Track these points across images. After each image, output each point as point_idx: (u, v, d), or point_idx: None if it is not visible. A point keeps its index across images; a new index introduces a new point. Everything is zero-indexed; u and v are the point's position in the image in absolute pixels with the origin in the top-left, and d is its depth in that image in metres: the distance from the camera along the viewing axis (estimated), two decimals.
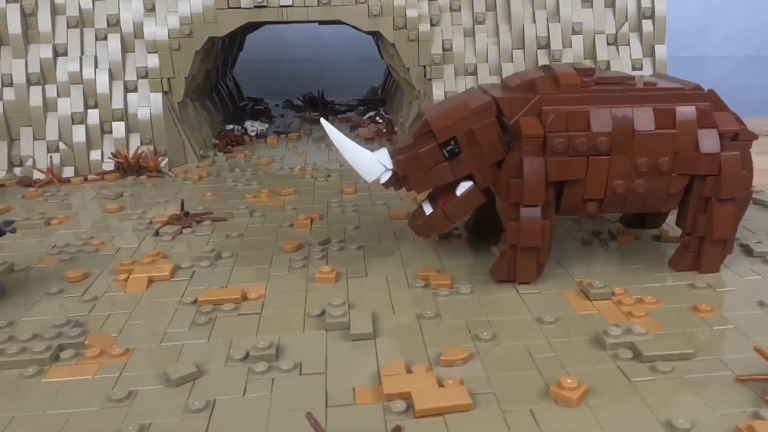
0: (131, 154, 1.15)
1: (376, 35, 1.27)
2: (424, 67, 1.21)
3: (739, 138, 0.66)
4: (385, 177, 0.71)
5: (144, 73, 1.18)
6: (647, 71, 1.22)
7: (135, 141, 1.18)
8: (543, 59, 1.21)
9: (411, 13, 1.18)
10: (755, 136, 0.67)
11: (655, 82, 0.68)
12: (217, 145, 1.34)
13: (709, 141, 0.65)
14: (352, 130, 1.50)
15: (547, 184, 0.64)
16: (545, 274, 0.70)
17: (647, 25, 1.22)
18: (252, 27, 1.73)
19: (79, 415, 0.50)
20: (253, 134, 1.45)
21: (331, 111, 1.73)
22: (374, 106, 1.74)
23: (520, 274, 0.68)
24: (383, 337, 0.60)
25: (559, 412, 0.48)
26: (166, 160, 1.18)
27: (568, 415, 0.48)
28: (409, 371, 0.53)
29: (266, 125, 1.51)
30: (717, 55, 2.24)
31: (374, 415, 0.49)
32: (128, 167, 1.14)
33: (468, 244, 0.81)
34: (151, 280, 0.73)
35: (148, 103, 1.18)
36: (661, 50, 1.23)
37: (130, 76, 1.18)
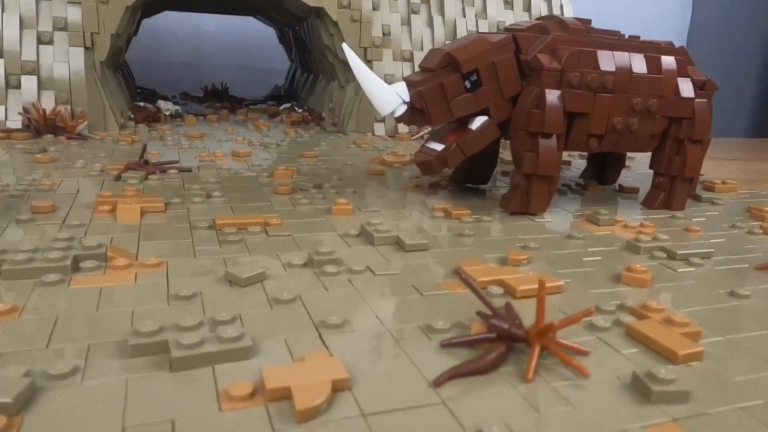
0: (48, 112, 1.01)
1: (287, 27, 1.27)
2: (365, 48, 1.23)
3: (705, 87, 0.76)
4: (401, 110, 0.71)
5: (63, 25, 1.05)
6: None
7: (48, 100, 1.04)
8: None
9: None
10: (716, 87, 0.78)
11: (637, 36, 0.77)
12: (134, 118, 1.23)
13: (686, 87, 0.75)
14: (271, 117, 1.45)
15: (563, 116, 0.69)
16: (549, 210, 0.75)
17: None
18: (153, 9, 1.63)
19: (144, 311, 0.42)
20: (167, 113, 1.34)
21: (239, 103, 1.67)
22: (286, 100, 1.71)
23: (534, 203, 0.71)
24: (436, 249, 0.59)
25: (626, 290, 0.51)
26: (86, 122, 1.05)
27: (634, 291, 0.51)
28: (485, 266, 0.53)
29: (178, 107, 1.42)
30: None
31: (468, 300, 0.48)
32: (42, 127, 1.00)
33: (458, 192, 0.83)
34: (143, 211, 0.64)
35: (66, 59, 1.05)
36: None
37: (45, 26, 1.05)
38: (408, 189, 0.83)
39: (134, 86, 1.65)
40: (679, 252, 0.60)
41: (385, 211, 0.71)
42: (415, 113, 0.71)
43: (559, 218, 0.72)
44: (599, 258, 0.59)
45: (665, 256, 0.60)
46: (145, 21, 1.95)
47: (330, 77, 1.40)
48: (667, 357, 0.40)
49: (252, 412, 0.31)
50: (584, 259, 0.59)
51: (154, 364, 0.35)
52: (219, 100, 1.66)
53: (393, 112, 0.71)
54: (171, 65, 2.14)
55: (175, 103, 1.43)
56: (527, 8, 1.36)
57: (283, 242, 0.59)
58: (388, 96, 0.70)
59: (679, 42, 2.94)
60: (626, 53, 0.72)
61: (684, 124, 0.75)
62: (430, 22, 1.29)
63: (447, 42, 1.29)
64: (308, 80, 1.64)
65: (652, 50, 0.75)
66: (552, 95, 0.68)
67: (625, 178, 0.97)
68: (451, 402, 0.33)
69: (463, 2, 1.31)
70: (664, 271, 0.57)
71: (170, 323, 0.39)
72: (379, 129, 1.26)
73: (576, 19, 0.74)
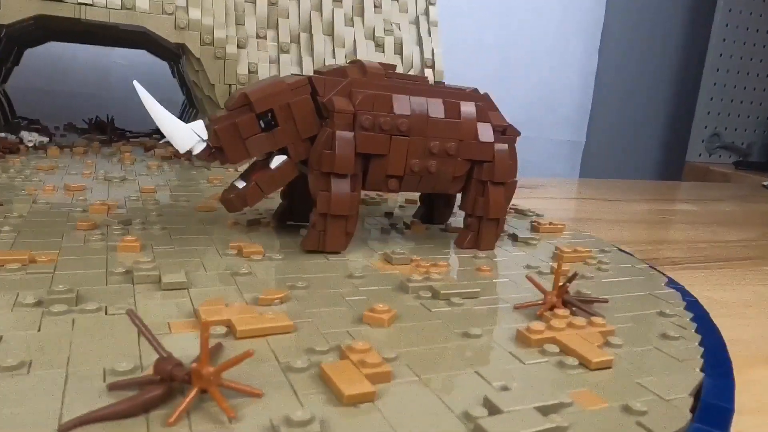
0: None
1: (173, 62, 1.27)
2: (230, 85, 1.24)
3: (506, 133, 0.80)
4: (199, 148, 0.71)
5: None
6: None
7: None
8: None
9: (219, 33, 1.22)
10: (518, 132, 0.82)
11: (443, 83, 0.80)
12: None
13: (485, 132, 0.78)
14: (146, 151, 1.44)
15: (356, 157, 0.71)
16: (351, 248, 0.76)
17: (428, 74, 1.41)
18: (35, 39, 1.60)
19: None
20: (30, 145, 1.31)
21: (122, 136, 1.64)
22: None
23: (329, 242, 0.72)
24: (197, 288, 0.58)
25: (370, 331, 0.52)
26: None
27: (380, 333, 0.52)
28: (227, 305, 0.53)
29: (46, 138, 1.38)
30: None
31: (191, 341, 0.47)
32: None
33: (276, 231, 0.83)
34: None
35: None
36: None
37: None
38: (228, 226, 0.82)
39: (10, 117, 1.61)
40: (442, 292, 0.61)
41: (179, 249, 0.70)
42: (214, 151, 0.71)
43: (357, 257, 0.73)
44: (364, 297, 0.60)
45: (430, 295, 0.62)
46: (54, 49, 1.91)
47: (202, 112, 1.41)
48: (338, 397, 0.40)
49: None
50: (348, 298, 0.59)
51: None
52: (102, 132, 1.63)
53: (191, 150, 0.71)
54: (78, 95, 2.09)
55: (43, 134, 1.39)
56: (398, 51, 1.40)
57: (37, 280, 0.57)
58: (185, 134, 0.70)
59: (586, 86, 3.02)
60: (424, 98, 0.75)
61: (485, 167, 0.78)
62: (300, 62, 1.31)
63: None
64: (193, 115, 1.63)
65: (453, 96, 0.78)
66: (343, 136, 0.70)
67: (459, 218, 0.99)
68: None
69: (333, 43, 1.34)
70: (419, 310, 0.58)
71: None
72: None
73: (381, 64, 0.77)
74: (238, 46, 1.25)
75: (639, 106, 3.08)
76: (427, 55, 1.42)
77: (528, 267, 0.75)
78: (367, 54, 1.36)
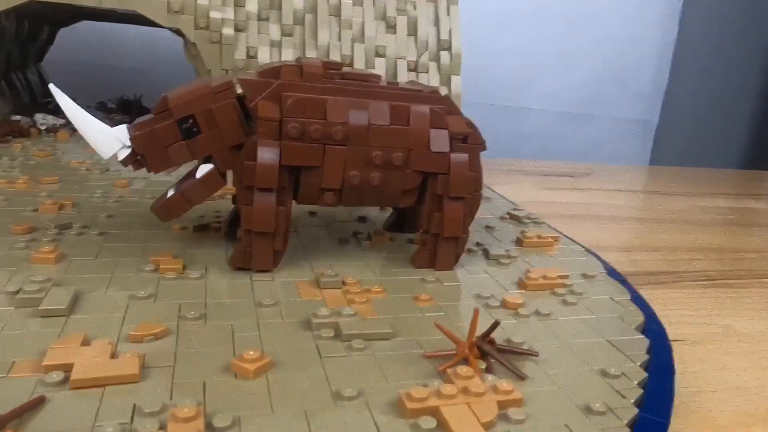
0: None
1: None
2: (227, 71, 1.19)
3: (468, 141, 0.70)
4: (123, 154, 0.67)
5: None
6: None
7: None
8: None
9: (214, 15, 1.16)
10: (483, 144, 0.72)
11: (397, 83, 0.71)
12: None
13: (439, 140, 0.68)
14: None
15: (282, 169, 0.64)
16: (287, 264, 0.70)
17: (445, 57, 1.31)
18: (62, 20, 1.62)
19: None
20: (42, 128, 1.33)
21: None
22: None
23: (255, 261, 0.66)
24: (79, 315, 0.54)
25: (231, 383, 0.46)
26: None
27: (239, 386, 0.46)
28: (86, 345, 0.49)
29: (62, 121, 1.40)
30: (536, 108, 2.45)
31: (23, 387, 0.43)
32: None
33: (226, 238, 0.78)
34: None
35: None
36: (456, 81, 1.31)
37: None
38: (175, 230, 0.78)
39: (42, 97, 1.64)
40: (345, 332, 0.54)
41: (99, 261, 0.67)
42: (139, 158, 0.67)
43: (284, 277, 0.67)
44: (256, 334, 0.54)
45: (332, 334, 0.55)
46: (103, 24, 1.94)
47: None
48: None
49: None
50: (239, 334, 0.54)
51: None
52: (126, 112, 1.64)
53: (116, 156, 0.67)
54: (119, 69, 2.12)
55: (60, 117, 1.41)
56: (412, 32, 1.30)
57: None
58: (107, 139, 0.66)
59: (662, 58, 2.73)
60: (366, 102, 0.67)
61: (440, 180, 0.69)
62: (303, 45, 1.24)
63: None
64: None
65: (405, 98, 0.69)
66: (265, 147, 0.63)
67: None
68: None
69: (340, 24, 1.26)
70: (307, 355, 0.51)
71: None
72: None
73: (325, 63, 0.69)
74: (236, 29, 1.19)
75: (725, 82, 2.76)
76: (444, 36, 1.31)
77: (478, 297, 0.66)
78: (377, 35, 1.27)
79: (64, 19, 1.64)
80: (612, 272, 0.80)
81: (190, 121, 0.65)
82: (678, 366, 0.57)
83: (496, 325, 0.52)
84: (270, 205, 0.64)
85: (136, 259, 0.68)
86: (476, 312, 0.52)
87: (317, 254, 0.75)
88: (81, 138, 1.31)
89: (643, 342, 0.59)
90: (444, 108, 0.70)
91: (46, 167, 1.05)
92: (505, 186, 1.48)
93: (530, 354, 0.53)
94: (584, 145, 2.62)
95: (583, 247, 0.88)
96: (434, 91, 0.71)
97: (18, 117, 1.34)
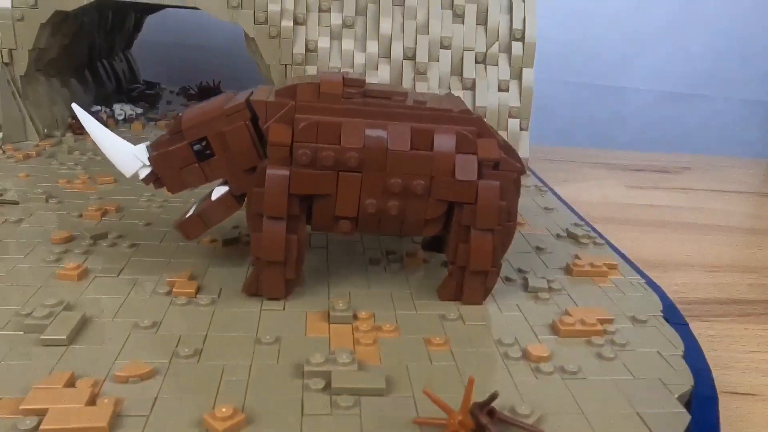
0: None
1: None
2: (286, 66, 1.17)
3: (499, 167, 0.63)
4: (143, 173, 0.66)
5: None
6: (513, 93, 1.20)
7: None
8: (408, 71, 1.18)
9: (273, 7, 1.14)
10: (521, 169, 0.64)
11: (425, 101, 0.65)
12: (72, 125, 1.28)
13: (466, 167, 0.62)
14: None
15: (292, 197, 0.61)
16: (304, 291, 0.67)
17: (517, 48, 1.21)
18: (149, 8, 1.67)
19: None
20: (120, 118, 1.39)
21: None
22: None
23: (265, 289, 0.64)
24: (78, 345, 0.55)
25: None
26: (0, 134, 1.11)
27: None
28: (71, 385, 0.49)
29: (140, 111, 1.45)
30: (637, 87, 2.25)
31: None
32: None
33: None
34: None
35: None
36: (528, 74, 1.21)
37: None
38: (205, 244, 0.78)
39: (130, 84, 1.71)
40: (334, 385, 0.51)
41: (121, 279, 0.67)
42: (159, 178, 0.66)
43: (296, 306, 0.64)
44: (243, 379, 0.52)
45: (322, 386, 0.51)
46: None
47: None
48: None
49: None
50: (226, 378, 0.52)
51: None
52: (207, 98, 1.67)
53: (137, 175, 0.67)
54: (207, 49, 2.14)
55: (140, 106, 1.46)
56: (482, 21, 1.21)
57: None
58: (128, 158, 0.66)
59: None
60: (385, 124, 0.61)
61: (466, 210, 0.63)
62: (364, 37, 1.19)
63: (382, 59, 1.19)
64: None
65: (431, 119, 0.63)
66: (274, 174, 0.60)
67: None
68: None
69: (403, 14, 1.19)
70: (287, 410, 0.48)
71: None
72: None
73: (347, 79, 0.64)
74: (296, 22, 1.16)
75: None
76: (517, 24, 1.21)
77: (499, 343, 0.60)
78: (442, 26, 1.19)
79: (148, 6, 1.68)
80: (672, 312, 0.70)
81: (203, 143, 0.63)
82: None
83: (494, 397, 0.46)
84: (279, 233, 0.61)
85: (156, 277, 0.68)
86: (471, 381, 0.47)
87: (339, 278, 0.71)
88: (154, 129, 1.36)
89: (683, 419, 0.51)
90: (474, 130, 0.63)
91: (109, 163, 1.09)
92: (583, 183, 1.37)
93: (534, 431, 0.47)
94: (694, 132, 2.37)
95: (644, 278, 0.78)
96: (465, 111, 0.65)
97: (98, 107, 1.40)
